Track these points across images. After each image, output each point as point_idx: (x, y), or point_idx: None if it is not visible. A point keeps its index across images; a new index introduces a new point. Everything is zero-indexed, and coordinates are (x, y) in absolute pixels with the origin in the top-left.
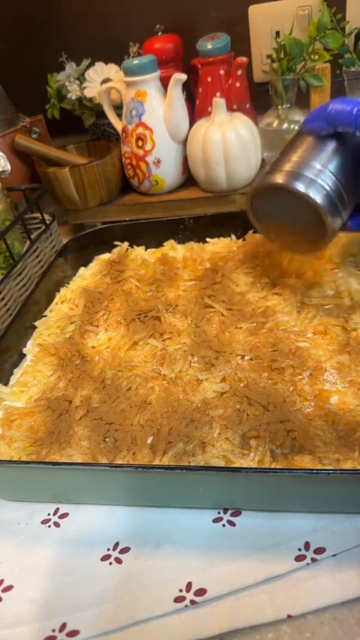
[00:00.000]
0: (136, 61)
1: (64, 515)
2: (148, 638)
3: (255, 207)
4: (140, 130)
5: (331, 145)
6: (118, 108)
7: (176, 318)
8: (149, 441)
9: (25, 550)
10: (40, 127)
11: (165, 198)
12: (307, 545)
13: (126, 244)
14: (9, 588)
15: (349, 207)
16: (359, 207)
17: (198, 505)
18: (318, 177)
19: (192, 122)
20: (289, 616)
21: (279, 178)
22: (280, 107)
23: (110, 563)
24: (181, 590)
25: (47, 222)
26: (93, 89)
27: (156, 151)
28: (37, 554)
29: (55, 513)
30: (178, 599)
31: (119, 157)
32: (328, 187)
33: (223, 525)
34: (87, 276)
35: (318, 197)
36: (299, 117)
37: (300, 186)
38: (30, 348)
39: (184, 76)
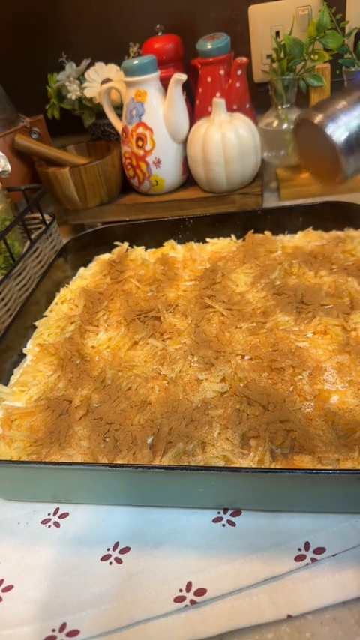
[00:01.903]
0: (136, 61)
1: (64, 515)
2: (148, 637)
3: (297, 134)
4: (140, 130)
5: None
6: (118, 108)
7: (176, 318)
8: (149, 441)
9: (25, 550)
10: (40, 127)
11: (165, 198)
12: (307, 545)
13: (126, 244)
14: (9, 588)
15: None
16: None
17: (198, 505)
18: (348, 124)
19: (192, 122)
20: (289, 616)
21: (316, 116)
22: (280, 107)
23: (110, 563)
24: (181, 590)
25: (47, 222)
26: (93, 89)
27: (156, 151)
28: (37, 553)
29: (55, 513)
30: (178, 599)
31: (119, 157)
32: (350, 134)
33: (223, 525)
34: (87, 276)
35: (339, 140)
36: None
37: (328, 128)
38: (30, 348)
39: (184, 76)
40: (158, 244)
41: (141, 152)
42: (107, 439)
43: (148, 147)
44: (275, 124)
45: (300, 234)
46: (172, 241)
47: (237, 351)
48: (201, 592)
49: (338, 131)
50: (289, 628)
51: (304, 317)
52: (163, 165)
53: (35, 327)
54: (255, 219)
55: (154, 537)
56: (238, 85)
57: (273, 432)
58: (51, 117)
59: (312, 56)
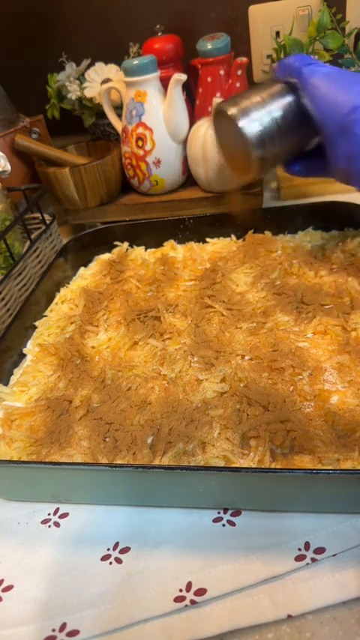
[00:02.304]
0: (136, 61)
1: (64, 515)
2: (148, 637)
3: (215, 124)
4: (140, 130)
5: (287, 95)
6: (118, 108)
7: (176, 318)
8: (149, 440)
9: (25, 550)
10: (40, 127)
11: (165, 198)
12: (307, 545)
13: (126, 244)
14: (9, 588)
15: (279, 152)
16: (305, 154)
17: (198, 505)
18: (260, 119)
19: (192, 122)
20: (289, 616)
21: (231, 109)
22: None
23: (110, 563)
24: (181, 590)
25: (47, 222)
26: (93, 89)
27: (156, 151)
28: (37, 553)
29: (55, 513)
30: (178, 599)
31: (119, 157)
32: (263, 129)
33: (223, 525)
34: (87, 276)
35: (251, 134)
36: None
37: (241, 121)
38: (30, 348)
39: (184, 76)
40: (158, 244)
41: (141, 152)
42: (107, 439)
43: (148, 147)
44: None
45: (300, 234)
46: (172, 241)
47: (237, 351)
48: (201, 592)
49: (251, 125)
50: (289, 628)
51: (304, 317)
52: (163, 165)
53: (35, 327)
54: (255, 219)
55: (154, 537)
56: (238, 85)
57: (273, 432)
58: (51, 117)
59: (312, 56)
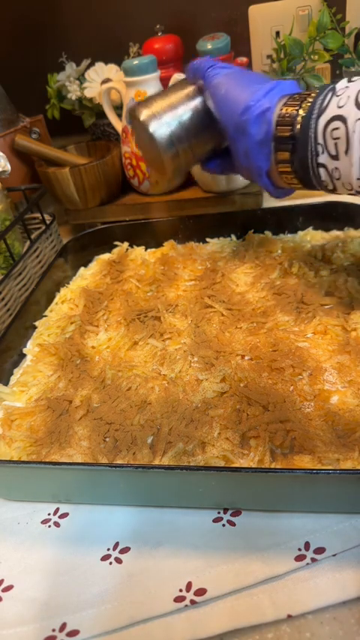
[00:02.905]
0: (136, 61)
1: (64, 515)
2: (148, 637)
3: (132, 126)
4: None
5: (196, 97)
6: (118, 108)
7: (176, 318)
8: (149, 440)
9: (25, 550)
10: (40, 127)
11: (165, 198)
12: (307, 545)
13: (126, 244)
14: (9, 588)
15: (191, 153)
16: (219, 152)
17: (198, 505)
18: (169, 122)
19: None
20: (289, 616)
21: (142, 113)
22: None
23: (110, 563)
24: (181, 590)
25: (47, 222)
26: (93, 89)
27: None
28: (37, 553)
29: (55, 513)
30: (178, 599)
31: (119, 157)
32: (172, 131)
33: (223, 525)
34: (87, 276)
35: (161, 137)
36: None
37: (151, 125)
38: (30, 348)
39: (184, 76)
40: (158, 244)
41: (141, 152)
42: (107, 439)
43: None
44: None
45: (300, 234)
46: (172, 241)
47: (237, 351)
48: (201, 592)
49: (160, 129)
50: (289, 628)
51: (304, 317)
52: None
53: (35, 327)
54: (255, 219)
55: (154, 537)
56: None
57: (273, 431)
58: (51, 117)
59: (312, 56)
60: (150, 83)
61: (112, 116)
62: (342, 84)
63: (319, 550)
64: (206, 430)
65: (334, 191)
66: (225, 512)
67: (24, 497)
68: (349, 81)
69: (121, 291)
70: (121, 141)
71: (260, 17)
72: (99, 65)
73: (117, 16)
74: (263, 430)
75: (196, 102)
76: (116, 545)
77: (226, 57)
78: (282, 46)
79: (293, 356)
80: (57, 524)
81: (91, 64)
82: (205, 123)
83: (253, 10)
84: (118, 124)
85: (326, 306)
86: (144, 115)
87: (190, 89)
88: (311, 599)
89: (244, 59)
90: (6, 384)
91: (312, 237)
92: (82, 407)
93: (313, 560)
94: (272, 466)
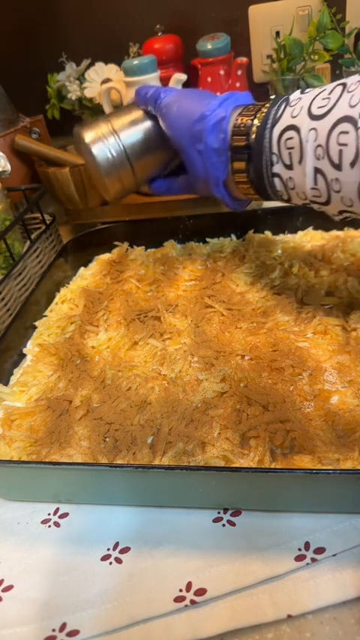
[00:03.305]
0: (136, 61)
1: (64, 515)
2: (148, 637)
3: (78, 147)
4: None
5: (144, 120)
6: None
7: (176, 318)
8: (149, 440)
9: (25, 550)
10: (40, 127)
11: (165, 198)
12: (307, 545)
13: (126, 244)
14: (9, 588)
15: (134, 176)
16: (171, 172)
17: (198, 505)
18: (113, 145)
19: None
20: (289, 616)
21: (86, 135)
22: None
23: (110, 563)
24: (181, 590)
25: (47, 222)
26: (93, 89)
27: None
28: (37, 553)
29: (55, 513)
30: (178, 599)
31: None
32: (115, 155)
33: (223, 525)
34: (87, 276)
35: (102, 160)
36: None
37: (94, 147)
38: (30, 348)
39: (184, 76)
40: (158, 244)
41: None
42: (107, 439)
43: None
44: None
45: (300, 234)
46: (172, 241)
47: (237, 351)
48: (201, 592)
49: (102, 151)
50: (289, 628)
51: (304, 317)
52: None
53: (35, 327)
54: (255, 219)
55: (154, 537)
56: (238, 85)
57: (273, 431)
58: (51, 117)
59: (312, 56)
60: (150, 83)
61: None
62: (295, 95)
63: (319, 550)
64: (206, 430)
65: (288, 201)
66: (225, 512)
67: (24, 497)
68: (302, 92)
69: (121, 291)
70: None
71: (260, 17)
72: (99, 65)
73: (117, 16)
74: (263, 430)
75: (144, 125)
76: (116, 545)
77: (226, 57)
78: (282, 46)
79: (293, 356)
80: (57, 525)
81: (91, 64)
82: (151, 147)
83: (253, 10)
84: None
85: (326, 306)
86: (88, 137)
87: (139, 113)
88: (311, 599)
89: (244, 59)
90: (6, 384)
91: (312, 237)
92: (82, 407)
93: (313, 560)
94: (272, 466)
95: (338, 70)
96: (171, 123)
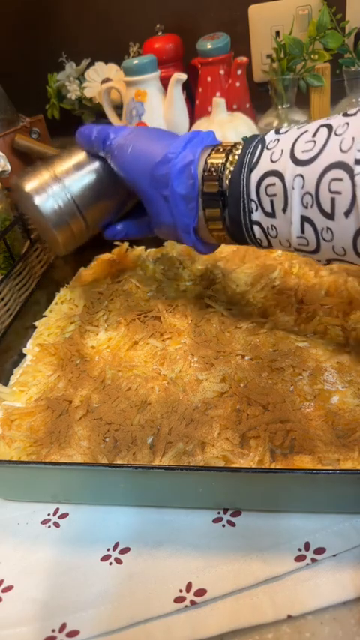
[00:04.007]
0: (136, 61)
1: (63, 516)
2: (148, 638)
3: (18, 198)
4: None
5: (91, 163)
6: (118, 108)
7: (176, 318)
8: (149, 441)
9: (25, 550)
10: (40, 127)
11: None
12: (307, 546)
13: (126, 244)
14: (9, 588)
15: (84, 224)
16: (121, 217)
17: (198, 505)
18: (58, 194)
19: (192, 122)
20: (289, 616)
21: (27, 183)
22: (280, 107)
23: (110, 564)
24: (181, 591)
25: None
26: (93, 89)
27: None
28: (37, 554)
29: (54, 513)
30: (178, 600)
31: None
32: (61, 204)
33: (223, 525)
34: (87, 276)
35: (48, 212)
36: (299, 117)
37: (37, 198)
38: (30, 348)
39: (184, 76)
40: (158, 244)
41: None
42: (107, 439)
43: None
44: (275, 123)
45: None
46: (172, 241)
47: (237, 351)
48: (201, 592)
49: (47, 202)
50: (289, 628)
51: (304, 317)
52: None
53: (35, 327)
54: None
55: (154, 538)
56: (238, 84)
57: (273, 432)
58: (51, 117)
59: (312, 56)
60: (150, 83)
61: (111, 116)
62: (271, 136)
63: (320, 550)
64: (206, 430)
65: (268, 247)
66: (225, 513)
67: (23, 497)
68: (278, 132)
69: (121, 291)
70: None
71: (260, 17)
72: (99, 65)
73: (117, 16)
74: (263, 430)
75: (91, 167)
76: (116, 545)
77: (226, 57)
78: (282, 46)
79: (293, 356)
80: (57, 525)
81: (91, 64)
82: (102, 190)
83: (253, 10)
84: (118, 124)
85: (326, 306)
86: (29, 186)
87: (83, 156)
88: (311, 599)
89: (244, 59)
90: (6, 384)
91: None
92: (82, 407)
93: (314, 560)
94: (272, 466)
95: (338, 70)
96: (125, 166)
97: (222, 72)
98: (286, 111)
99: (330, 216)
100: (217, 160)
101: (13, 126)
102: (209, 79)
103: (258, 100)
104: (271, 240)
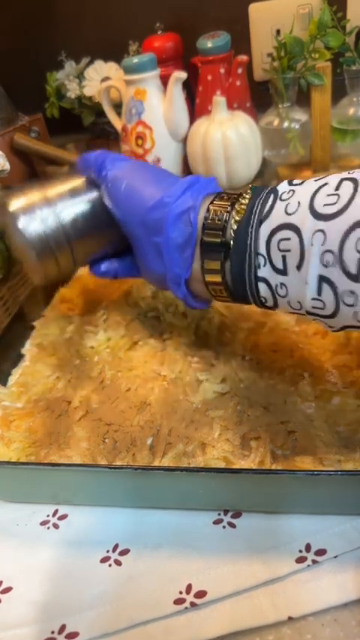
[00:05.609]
0: (135, 60)
1: (63, 517)
2: None
3: (2, 217)
4: (140, 128)
5: (88, 191)
6: (117, 106)
7: (176, 318)
8: (149, 442)
9: (24, 551)
10: (40, 126)
11: None
12: (307, 547)
13: None
14: (8, 590)
15: (71, 257)
16: (112, 254)
17: (198, 506)
18: (46, 218)
19: (192, 121)
20: (290, 618)
21: (12, 202)
22: (280, 106)
23: (110, 565)
24: (181, 592)
25: None
26: (92, 88)
27: (156, 149)
28: (36, 555)
29: (54, 514)
30: (178, 601)
31: None
32: (48, 231)
33: (224, 527)
34: (87, 276)
35: (31, 236)
36: (299, 115)
37: (21, 220)
38: (29, 348)
39: (184, 75)
40: None
41: (141, 151)
42: (106, 440)
43: (147, 145)
44: (276, 122)
45: None
46: None
47: (237, 351)
48: (201, 594)
49: (32, 225)
50: (289, 630)
51: (304, 317)
52: (162, 164)
53: (34, 328)
54: None
55: (154, 539)
56: (238, 83)
57: (273, 432)
58: (50, 116)
59: (313, 55)
60: (150, 81)
61: (111, 115)
62: (285, 187)
63: (320, 552)
64: (206, 431)
65: (273, 308)
66: (225, 514)
67: (23, 498)
68: (291, 183)
69: (120, 291)
70: (120, 139)
71: (261, 15)
72: (98, 63)
73: (116, 15)
74: (264, 431)
75: (87, 196)
76: (116, 546)
77: (226, 55)
78: (282, 45)
79: (294, 356)
80: (56, 526)
81: (91, 63)
82: (96, 223)
83: (254, 9)
84: (118, 123)
85: None
86: (14, 205)
87: (79, 181)
88: (312, 600)
89: (245, 57)
90: (4, 384)
91: None
92: (81, 408)
93: (314, 561)
94: (273, 467)
95: (339, 69)
96: (117, 203)
97: (222, 70)
98: (286, 110)
99: (355, 278)
100: (222, 208)
101: (13, 125)
102: (209, 77)
103: (258, 98)
104: (279, 300)
